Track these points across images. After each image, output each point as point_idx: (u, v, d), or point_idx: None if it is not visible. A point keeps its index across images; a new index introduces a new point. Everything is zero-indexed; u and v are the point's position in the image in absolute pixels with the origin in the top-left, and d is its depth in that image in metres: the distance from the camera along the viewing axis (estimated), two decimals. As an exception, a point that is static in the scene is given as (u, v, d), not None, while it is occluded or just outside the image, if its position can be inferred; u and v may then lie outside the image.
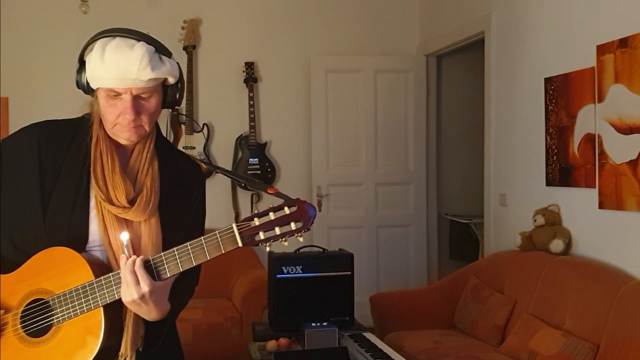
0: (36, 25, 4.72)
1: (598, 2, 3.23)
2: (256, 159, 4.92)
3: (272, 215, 1.33)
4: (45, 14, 4.73)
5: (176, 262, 1.37)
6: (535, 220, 3.51)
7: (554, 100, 3.56)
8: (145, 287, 1.35)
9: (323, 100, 5.05)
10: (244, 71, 4.97)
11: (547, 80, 3.61)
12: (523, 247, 3.55)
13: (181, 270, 1.38)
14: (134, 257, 1.37)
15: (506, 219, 4.11)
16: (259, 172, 4.89)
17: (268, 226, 1.33)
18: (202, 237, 1.36)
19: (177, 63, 1.51)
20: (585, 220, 3.32)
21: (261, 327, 3.27)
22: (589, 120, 3.26)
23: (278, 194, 1.39)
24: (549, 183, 3.62)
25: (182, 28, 4.84)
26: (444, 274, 4.89)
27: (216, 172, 4.79)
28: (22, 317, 1.44)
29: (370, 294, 4.07)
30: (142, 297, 1.36)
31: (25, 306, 1.44)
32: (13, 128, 4.65)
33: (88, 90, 1.49)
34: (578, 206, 3.38)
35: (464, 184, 5.40)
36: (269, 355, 2.85)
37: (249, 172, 4.86)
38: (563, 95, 3.48)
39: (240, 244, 1.34)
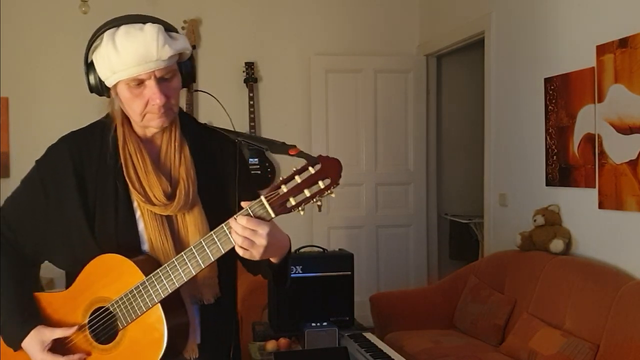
0: (36, 25, 4.72)
1: (598, 2, 3.22)
2: (256, 159, 4.92)
3: (298, 179, 1.27)
4: (45, 14, 4.73)
5: (216, 244, 1.34)
6: (535, 220, 3.51)
7: (554, 100, 3.56)
8: (265, 228, 1.29)
9: (323, 100, 5.06)
10: (244, 71, 4.98)
11: (547, 80, 3.61)
12: (523, 247, 3.55)
13: (223, 251, 1.34)
14: (232, 218, 1.31)
15: (506, 219, 4.11)
16: (259, 172, 4.89)
17: (296, 190, 1.27)
18: (235, 216, 1.32)
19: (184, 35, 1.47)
20: (585, 220, 3.32)
21: (261, 327, 3.27)
22: (588, 120, 3.26)
23: (300, 154, 1.33)
24: (548, 183, 3.62)
25: (182, 28, 4.84)
26: (444, 274, 4.89)
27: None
28: (89, 327, 1.45)
29: (370, 294, 4.07)
30: (269, 237, 1.31)
31: (90, 316, 1.45)
32: (13, 128, 4.66)
33: (103, 90, 1.43)
34: (578, 206, 3.38)
35: (464, 184, 5.40)
36: (269, 355, 2.85)
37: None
38: (563, 95, 3.48)
39: (273, 215, 1.30)
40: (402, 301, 3.91)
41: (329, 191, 1.27)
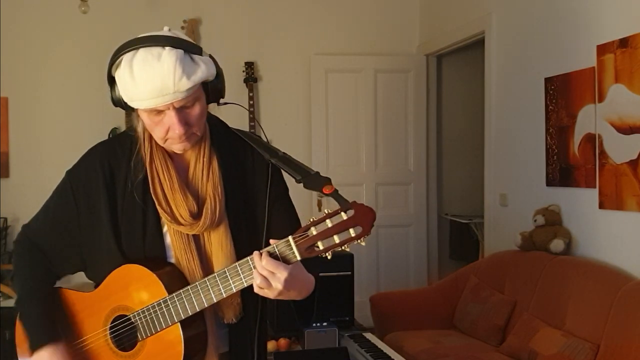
0: (36, 25, 4.71)
1: (598, 2, 3.22)
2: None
3: (329, 223, 1.23)
4: (45, 14, 4.72)
5: (239, 276, 1.32)
6: (535, 220, 3.51)
7: (554, 100, 3.56)
8: (283, 272, 1.26)
9: (323, 100, 5.06)
10: (244, 71, 4.97)
11: (547, 80, 3.61)
12: (523, 247, 3.55)
13: (246, 285, 1.31)
14: (256, 253, 1.28)
15: (506, 219, 4.10)
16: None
17: (326, 234, 1.23)
18: (260, 251, 1.29)
19: (210, 55, 1.41)
20: (586, 220, 3.32)
21: (261, 327, 3.26)
22: (589, 120, 3.26)
23: (334, 195, 1.28)
24: (549, 183, 3.62)
25: (182, 28, 4.84)
26: (444, 274, 4.89)
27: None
28: (110, 332, 1.46)
29: (370, 294, 4.07)
30: (286, 282, 1.27)
31: (111, 322, 1.46)
32: (13, 128, 4.65)
33: (126, 107, 1.39)
34: (578, 206, 3.38)
35: (464, 184, 5.40)
36: (268, 356, 2.84)
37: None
38: (563, 95, 3.48)
39: (298, 258, 1.26)
40: (402, 301, 3.91)
41: (359, 240, 1.22)
